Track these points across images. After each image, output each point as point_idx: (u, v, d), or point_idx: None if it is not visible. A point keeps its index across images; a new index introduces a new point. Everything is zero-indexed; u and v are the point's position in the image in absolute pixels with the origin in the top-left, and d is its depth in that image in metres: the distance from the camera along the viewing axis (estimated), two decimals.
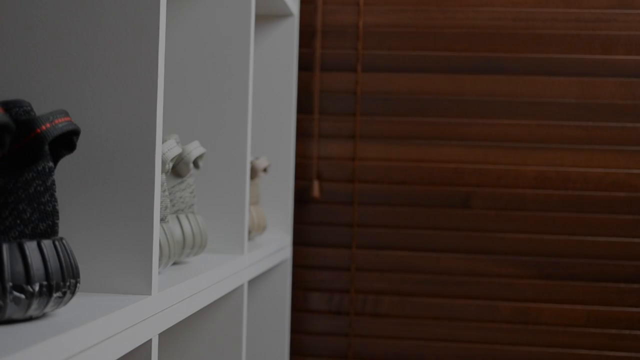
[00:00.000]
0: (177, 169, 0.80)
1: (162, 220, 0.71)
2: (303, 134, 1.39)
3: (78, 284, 0.49)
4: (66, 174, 0.59)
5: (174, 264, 0.82)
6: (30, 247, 0.45)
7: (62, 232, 0.59)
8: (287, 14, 1.31)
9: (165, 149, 0.73)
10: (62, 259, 0.47)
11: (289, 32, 1.31)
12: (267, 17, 1.31)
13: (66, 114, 0.50)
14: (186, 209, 0.81)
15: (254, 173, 1.10)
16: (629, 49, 1.33)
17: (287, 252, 1.30)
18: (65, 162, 0.59)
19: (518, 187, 1.35)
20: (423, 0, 1.37)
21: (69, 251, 0.49)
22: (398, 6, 1.38)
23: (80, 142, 0.59)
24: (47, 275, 0.46)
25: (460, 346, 1.36)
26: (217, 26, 0.95)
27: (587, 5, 1.34)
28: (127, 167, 0.59)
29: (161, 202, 0.70)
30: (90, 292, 0.59)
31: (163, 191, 0.71)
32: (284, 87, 1.31)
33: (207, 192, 0.94)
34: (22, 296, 0.44)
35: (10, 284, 0.44)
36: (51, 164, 0.49)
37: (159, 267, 0.69)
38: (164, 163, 0.72)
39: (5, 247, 0.44)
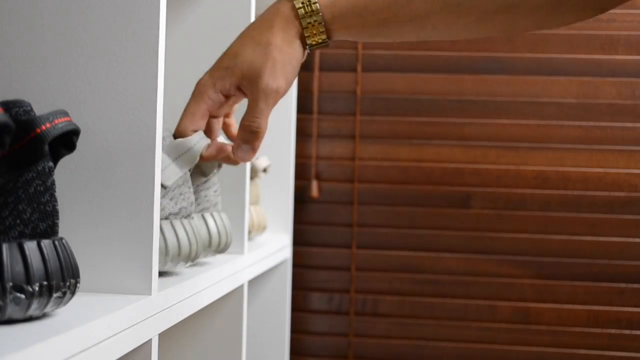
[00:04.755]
0: (202, 168, 0.79)
1: (187, 216, 0.71)
2: (303, 134, 1.39)
3: (78, 284, 0.49)
4: (66, 174, 0.59)
5: (194, 264, 0.81)
6: (30, 247, 0.45)
7: (62, 232, 0.59)
8: None
9: (194, 141, 0.72)
10: (62, 259, 0.47)
11: None
12: None
13: (66, 114, 0.50)
14: (211, 207, 0.80)
15: (254, 173, 1.10)
16: (629, 49, 1.33)
17: (287, 252, 1.30)
18: (65, 162, 0.59)
19: (518, 187, 1.35)
20: None
21: (69, 251, 0.49)
22: None
23: (80, 142, 0.59)
24: (47, 275, 0.46)
25: (460, 346, 1.36)
26: (217, 26, 0.95)
27: None
28: (127, 167, 0.59)
29: (187, 198, 0.70)
30: (90, 292, 0.59)
31: (188, 187, 0.71)
32: None
33: None
34: (22, 296, 0.44)
35: (10, 284, 0.44)
36: (51, 164, 0.49)
37: (183, 264, 0.69)
38: (194, 156, 0.71)
39: (5, 247, 0.44)
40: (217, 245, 0.79)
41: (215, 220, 0.79)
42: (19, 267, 0.44)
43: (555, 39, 1.35)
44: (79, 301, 0.55)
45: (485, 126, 1.36)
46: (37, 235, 0.48)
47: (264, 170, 1.14)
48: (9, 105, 0.47)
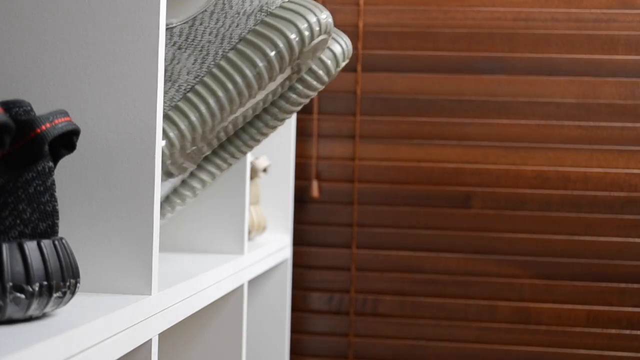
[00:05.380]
0: None
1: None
2: (303, 134, 1.39)
3: (78, 284, 0.49)
4: (66, 174, 0.59)
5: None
6: (30, 247, 0.45)
7: (62, 232, 0.59)
8: None
9: None
10: (62, 259, 0.47)
11: None
12: None
13: (66, 114, 0.50)
14: None
15: (254, 173, 1.10)
16: (629, 49, 1.33)
17: (287, 252, 1.30)
18: (65, 162, 0.59)
19: (518, 187, 1.35)
20: (423, 0, 1.37)
21: (69, 251, 0.49)
22: (398, 6, 1.38)
23: (80, 142, 0.59)
24: (47, 275, 0.46)
25: (460, 346, 1.36)
26: None
27: (587, 5, 1.34)
28: (127, 167, 0.59)
29: None
30: (90, 292, 0.59)
31: None
32: None
33: (207, 192, 0.94)
34: (22, 296, 0.44)
35: (10, 284, 0.44)
36: (51, 164, 0.49)
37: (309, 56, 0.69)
38: None
39: (5, 247, 0.44)
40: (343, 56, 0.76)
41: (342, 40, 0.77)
42: (19, 267, 0.44)
43: (555, 39, 1.35)
44: (79, 301, 0.55)
45: (485, 126, 1.36)
46: (37, 235, 0.48)
47: (264, 170, 1.14)
48: (9, 105, 0.47)
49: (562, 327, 1.34)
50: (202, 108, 0.68)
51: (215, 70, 0.69)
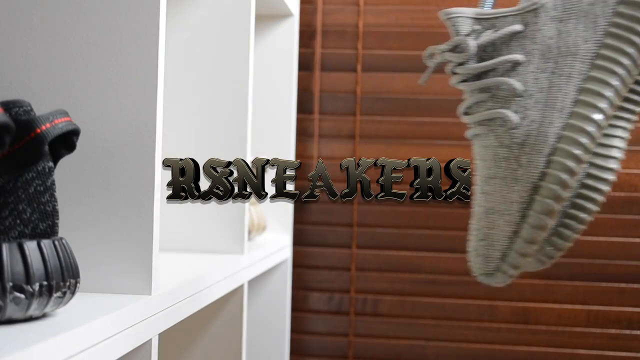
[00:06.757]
0: None
1: None
2: (303, 134, 1.39)
3: (78, 284, 0.49)
4: (66, 174, 0.59)
5: None
6: (30, 247, 0.45)
7: (62, 232, 0.59)
8: (287, 14, 1.31)
9: None
10: (62, 259, 0.47)
11: (289, 32, 1.31)
12: (267, 17, 1.31)
13: (66, 114, 0.50)
14: None
15: None
16: None
17: (287, 252, 1.30)
18: (65, 162, 0.59)
19: None
20: (423, 0, 1.37)
21: (69, 251, 0.49)
22: (398, 6, 1.38)
23: (80, 142, 0.59)
24: (47, 275, 0.46)
25: (460, 346, 1.36)
26: (217, 26, 0.95)
27: None
28: (127, 167, 0.59)
29: None
30: (90, 292, 0.59)
31: None
32: (284, 87, 1.31)
33: None
34: (22, 296, 0.44)
35: (10, 284, 0.44)
36: (51, 164, 0.49)
37: None
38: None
39: (5, 247, 0.44)
40: None
41: None
42: (19, 267, 0.44)
43: None
44: (79, 301, 0.55)
45: None
46: (37, 235, 0.48)
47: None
48: (9, 105, 0.47)
49: (562, 327, 1.34)
50: (618, 69, 0.64)
51: (613, 29, 0.64)
